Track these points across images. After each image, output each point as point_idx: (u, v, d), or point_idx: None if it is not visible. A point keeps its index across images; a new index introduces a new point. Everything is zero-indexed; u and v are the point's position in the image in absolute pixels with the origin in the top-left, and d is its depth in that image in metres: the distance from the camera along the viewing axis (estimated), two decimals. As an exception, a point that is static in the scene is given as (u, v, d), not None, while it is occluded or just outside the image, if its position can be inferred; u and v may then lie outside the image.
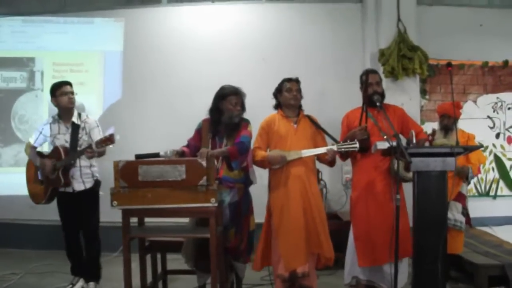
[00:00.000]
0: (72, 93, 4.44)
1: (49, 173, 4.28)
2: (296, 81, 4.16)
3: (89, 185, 4.45)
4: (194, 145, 4.05)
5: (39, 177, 4.41)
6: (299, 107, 4.19)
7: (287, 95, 4.11)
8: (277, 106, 4.23)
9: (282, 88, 4.16)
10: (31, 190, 4.49)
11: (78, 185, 4.40)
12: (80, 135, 4.41)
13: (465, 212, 4.47)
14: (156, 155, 3.75)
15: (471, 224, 4.88)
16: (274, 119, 4.15)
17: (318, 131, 4.17)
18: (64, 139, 4.38)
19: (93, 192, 4.49)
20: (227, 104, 3.98)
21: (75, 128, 4.41)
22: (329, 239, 4.04)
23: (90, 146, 4.15)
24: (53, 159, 4.29)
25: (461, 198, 4.48)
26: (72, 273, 4.56)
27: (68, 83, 4.46)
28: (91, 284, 4.49)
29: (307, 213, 3.95)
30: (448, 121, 4.46)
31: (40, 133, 4.46)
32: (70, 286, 4.48)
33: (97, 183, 4.52)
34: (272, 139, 4.10)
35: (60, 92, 4.38)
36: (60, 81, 4.51)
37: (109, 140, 4.01)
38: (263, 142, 4.12)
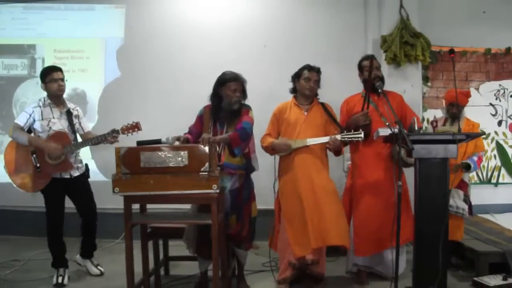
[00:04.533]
0: (62, 79, 4.40)
1: (57, 157, 4.26)
2: (317, 71, 4.14)
3: (81, 171, 4.52)
4: (196, 132, 4.05)
5: (35, 163, 4.27)
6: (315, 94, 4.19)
7: (304, 84, 4.10)
8: (293, 91, 4.22)
9: (301, 74, 4.14)
10: (19, 180, 4.34)
11: (74, 171, 4.44)
12: (74, 122, 4.47)
13: (467, 200, 4.46)
14: (158, 141, 3.75)
15: (472, 212, 4.89)
16: (286, 107, 4.18)
17: (329, 120, 4.15)
18: (60, 124, 4.36)
19: (86, 177, 4.57)
20: (226, 90, 3.97)
21: (70, 115, 4.45)
22: (341, 225, 3.95)
23: (115, 131, 4.23)
24: (58, 144, 4.25)
25: (463, 185, 4.48)
26: (58, 265, 4.44)
27: (59, 69, 4.41)
28: (93, 260, 4.68)
29: (313, 200, 3.95)
30: (457, 110, 4.43)
31: (30, 115, 4.31)
32: (61, 277, 4.36)
33: (87, 168, 4.60)
34: (282, 126, 4.14)
35: (50, 78, 4.34)
36: (50, 67, 4.47)
37: (136, 127, 4.22)
38: (274, 129, 4.17)
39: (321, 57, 5.77)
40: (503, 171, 6.02)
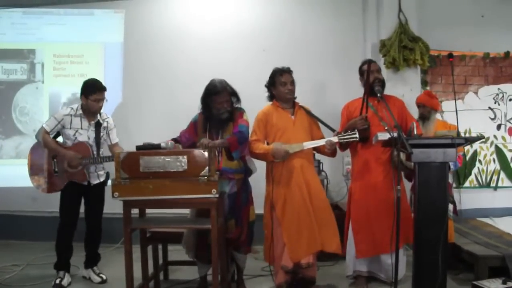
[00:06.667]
0: (103, 99, 4.44)
1: (73, 166, 4.31)
2: (288, 71, 4.13)
3: (102, 178, 4.56)
4: (188, 138, 4.06)
5: (54, 167, 4.37)
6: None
7: (283, 89, 4.08)
8: (271, 98, 4.22)
9: (275, 81, 4.13)
10: (37, 180, 4.46)
11: (94, 179, 4.48)
12: (102, 134, 4.51)
13: (451, 200, 4.47)
14: (157, 146, 3.75)
15: (457, 212, 4.89)
16: (271, 111, 4.14)
17: (313, 121, 4.17)
18: (87, 135, 4.42)
19: (104, 185, 4.59)
20: (213, 103, 3.97)
21: (98, 127, 4.48)
22: (334, 231, 4.04)
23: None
24: (77, 153, 4.31)
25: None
26: (60, 268, 4.46)
27: (104, 89, 4.43)
28: (95, 268, 4.63)
29: (309, 205, 3.96)
30: (424, 110, 4.60)
31: (59, 122, 4.37)
32: (59, 279, 4.39)
33: (108, 176, 4.59)
34: (271, 131, 4.09)
35: (95, 98, 4.35)
36: (96, 85, 4.41)
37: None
38: (261, 134, 4.10)
39: (320, 61, 5.84)
40: (502, 175, 6.01)
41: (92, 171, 4.45)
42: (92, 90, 4.36)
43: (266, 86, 4.20)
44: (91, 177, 4.45)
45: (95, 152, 4.42)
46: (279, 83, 4.10)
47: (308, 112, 4.17)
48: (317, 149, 4.15)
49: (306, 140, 4.01)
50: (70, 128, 4.39)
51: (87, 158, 4.34)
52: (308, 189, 3.99)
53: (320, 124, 4.19)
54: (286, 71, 4.12)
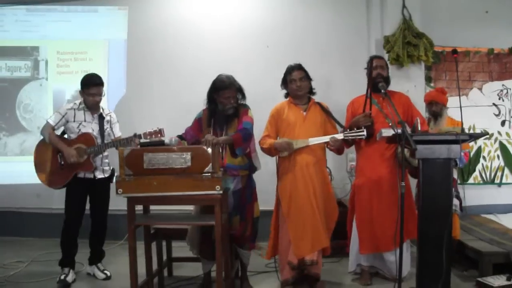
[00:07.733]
0: (99, 94, 4.46)
1: (79, 158, 4.32)
2: (298, 68, 4.12)
3: (107, 174, 4.58)
4: (193, 135, 4.07)
5: (60, 161, 4.39)
6: (310, 92, 4.17)
7: (292, 86, 4.10)
8: (287, 95, 4.22)
9: (286, 79, 4.15)
10: (44, 175, 4.45)
11: (99, 173, 4.50)
12: (105, 127, 4.54)
13: (457, 195, 4.46)
14: (161, 142, 3.75)
15: (462, 209, 4.89)
16: (283, 107, 4.15)
17: (328, 119, 4.15)
18: (91, 128, 4.45)
19: (109, 181, 4.60)
20: (220, 98, 3.97)
21: (102, 120, 4.52)
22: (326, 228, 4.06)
23: (136, 135, 4.25)
24: (81, 144, 4.35)
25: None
26: (65, 264, 4.47)
27: (98, 84, 4.43)
28: (100, 265, 4.66)
29: (313, 202, 3.96)
30: (436, 108, 4.55)
31: (63, 116, 4.42)
32: (64, 276, 4.39)
33: (113, 172, 4.62)
34: (281, 126, 4.11)
35: (88, 92, 4.40)
36: (91, 79, 4.45)
37: (159, 133, 4.17)
38: (272, 130, 4.13)
39: (324, 57, 5.83)
40: (506, 171, 5.99)
41: (98, 165, 4.47)
42: (88, 84, 4.41)
43: (281, 85, 4.22)
44: (96, 170, 4.46)
45: (100, 143, 4.44)
46: (289, 81, 4.11)
47: (324, 110, 4.16)
48: (327, 145, 4.14)
49: (317, 136, 4.01)
50: (74, 121, 4.42)
51: (92, 147, 4.36)
52: (313, 186, 3.98)
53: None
54: (295, 68, 4.12)
